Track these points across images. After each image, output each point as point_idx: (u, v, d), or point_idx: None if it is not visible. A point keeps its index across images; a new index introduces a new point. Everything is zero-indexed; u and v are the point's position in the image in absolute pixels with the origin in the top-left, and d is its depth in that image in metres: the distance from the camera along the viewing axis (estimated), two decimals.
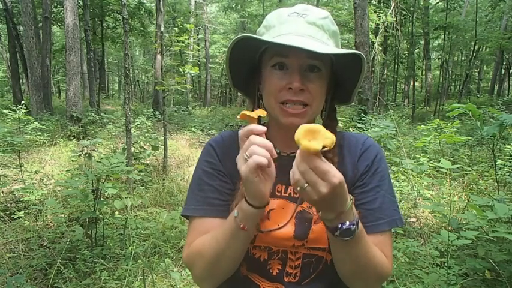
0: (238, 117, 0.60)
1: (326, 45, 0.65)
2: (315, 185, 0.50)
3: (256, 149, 0.55)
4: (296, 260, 0.70)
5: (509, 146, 4.14)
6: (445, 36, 15.30)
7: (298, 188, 0.52)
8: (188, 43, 5.27)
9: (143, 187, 3.97)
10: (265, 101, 0.71)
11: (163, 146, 4.89)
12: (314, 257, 0.70)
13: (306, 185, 0.51)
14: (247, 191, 0.59)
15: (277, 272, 0.70)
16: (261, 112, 0.60)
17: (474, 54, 15.74)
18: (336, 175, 0.51)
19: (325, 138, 0.51)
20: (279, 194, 0.71)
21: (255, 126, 0.57)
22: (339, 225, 0.56)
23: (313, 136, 0.51)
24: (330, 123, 0.74)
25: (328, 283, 0.71)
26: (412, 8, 13.45)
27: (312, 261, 0.70)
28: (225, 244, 0.63)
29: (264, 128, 0.57)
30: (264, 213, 0.64)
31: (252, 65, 0.73)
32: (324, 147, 0.50)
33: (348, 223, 0.56)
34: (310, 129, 0.52)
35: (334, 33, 0.69)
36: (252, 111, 0.71)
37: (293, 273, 0.70)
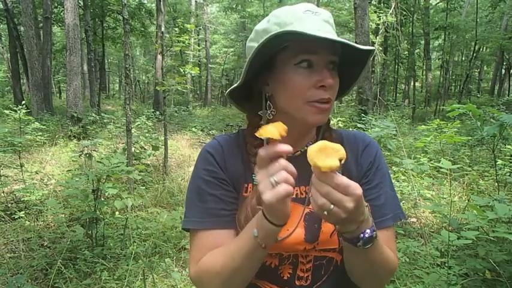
0: (257, 134, 0.53)
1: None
2: (341, 202, 0.49)
3: (288, 177, 0.51)
4: (307, 263, 0.69)
5: (509, 146, 4.13)
6: (445, 37, 15.30)
7: (325, 212, 0.50)
8: (188, 43, 5.28)
9: (144, 187, 3.97)
10: (286, 102, 0.66)
11: (163, 146, 4.89)
12: (325, 259, 0.69)
13: (332, 206, 0.49)
14: (269, 213, 0.55)
15: (289, 276, 0.69)
16: (282, 129, 0.53)
17: (474, 55, 15.72)
18: (357, 186, 0.49)
19: (336, 151, 0.50)
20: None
21: (283, 148, 0.52)
22: (361, 235, 0.54)
23: (325, 153, 0.50)
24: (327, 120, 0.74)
25: (339, 284, 0.70)
26: (412, 8, 13.45)
27: (323, 263, 0.69)
28: (242, 262, 0.60)
29: (290, 149, 0.52)
30: (280, 231, 0.60)
31: (262, 65, 0.68)
32: (340, 160, 0.49)
33: (369, 231, 0.55)
34: (320, 147, 0.50)
35: (336, 32, 0.70)
36: (267, 121, 0.67)
37: (304, 276, 0.69)
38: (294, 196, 0.68)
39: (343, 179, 0.49)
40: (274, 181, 0.51)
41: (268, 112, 0.70)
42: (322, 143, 0.51)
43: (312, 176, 0.50)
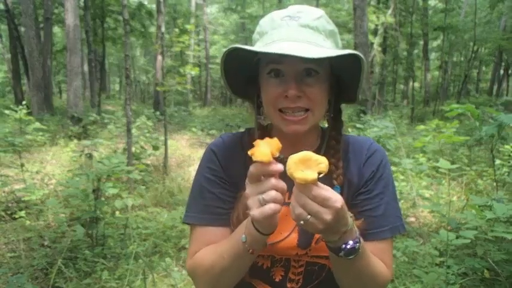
0: (249, 153, 0.53)
1: (321, 47, 0.62)
2: (318, 214, 0.49)
3: (276, 196, 0.51)
4: (299, 268, 0.70)
5: (507, 146, 4.14)
6: (444, 37, 15.31)
7: (302, 222, 0.50)
8: (188, 44, 5.29)
9: (144, 187, 3.98)
10: (265, 108, 0.69)
11: (163, 146, 4.90)
12: (317, 265, 0.70)
13: (309, 216, 0.49)
14: (257, 225, 0.56)
15: (280, 278, 0.70)
16: (276, 148, 0.53)
17: (473, 55, 15.74)
18: (337, 199, 0.50)
19: (318, 164, 0.49)
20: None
21: (274, 168, 0.52)
22: (343, 246, 0.55)
23: (306, 165, 0.49)
24: (335, 125, 0.72)
25: None
26: (411, 9, 13.46)
27: (314, 269, 0.70)
28: (231, 263, 0.62)
29: (281, 169, 0.52)
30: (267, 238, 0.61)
31: (250, 72, 0.71)
32: (319, 173, 0.49)
33: (351, 242, 0.55)
34: (300, 158, 0.50)
35: (331, 32, 0.66)
36: (261, 125, 0.68)
37: (296, 279, 0.70)
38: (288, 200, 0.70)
39: (322, 192, 0.49)
40: (262, 199, 0.52)
41: (262, 118, 0.72)
42: (305, 153, 0.51)
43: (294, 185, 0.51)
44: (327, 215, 0.49)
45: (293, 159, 0.50)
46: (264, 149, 0.52)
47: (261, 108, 0.71)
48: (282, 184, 0.53)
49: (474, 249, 2.18)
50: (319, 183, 0.50)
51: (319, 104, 0.66)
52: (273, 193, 0.52)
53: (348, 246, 0.55)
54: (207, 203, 0.70)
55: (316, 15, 0.65)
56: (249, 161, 0.70)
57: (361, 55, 0.62)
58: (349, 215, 0.54)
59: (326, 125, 0.76)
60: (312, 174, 0.48)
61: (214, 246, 0.66)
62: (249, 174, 0.54)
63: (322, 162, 0.50)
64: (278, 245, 0.67)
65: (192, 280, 0.70)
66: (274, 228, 0.57)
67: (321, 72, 0.65)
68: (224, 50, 0.62)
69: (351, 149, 0.73)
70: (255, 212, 0.52)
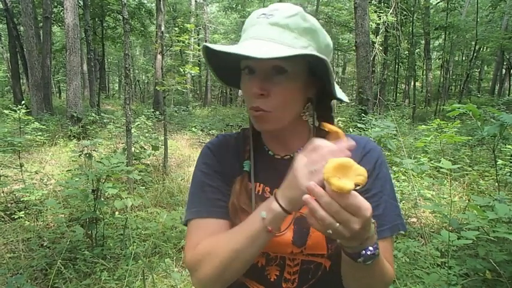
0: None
1: (287, 46, 0.61)
2: (348, 223, 0.48)
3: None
4: (294, 266, 0.69)
5: (509, 146, 4.13)
6: (445, 36, 15.29)
7: (330, 231, 0.49)
8: (188, 43, 5.28)
9: (143, 187, 3.97)
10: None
11: (163, 146, 4.89)
12: (313, 264, 0.69)
13: (338, 224, 0.48)
14: (287, 196, 0.56)
15: (275, 278, 0.69)
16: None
17: (475, 54, 15.72)
18: (367, 207, 0.48)
19: (357, 174, 0.47)
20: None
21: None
22: (363, 252, 0.54)
23: (344, 172, 0.47)
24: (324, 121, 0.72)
25: None
26: (412, 8, 13.44)
27: (310, 268, 0.69)
28: (245, 245, 0.60)
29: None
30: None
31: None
32: (356, 185, 0.47)
33: (371, 248, 0.54)
34: (340, 164, 0.47)
35: (306, 29, 0.64)
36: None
37: (291, 279, 0.69)
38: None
39: (356, 200, 0.48)
40: (314, 170, 0.53)
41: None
42: (346, 160, 0.48)
43: (326, 190, 0.48)
44: (356, 224, 0.48)
45: (332, 163, 0.47)
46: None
47: None
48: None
49: (476, 249, 2.17)
50: (352, 192, 0.48)
51: (285, 103, 0.65)
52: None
53: (368, 253, 0.54)
54: (208, 196, 0.70)
55: (290, 12, 0.64)
56: (243, 156, 0.73)
57: (316, 55, 0.59)
58: (371, 222, 0.53)
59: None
60: (349, 185, 0.46)
61: (224, 233, 0.65)
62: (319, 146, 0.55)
63: (361, 174, 0.48)
64: (272, 240, 0.65)
65: (193, 274, 0.66)
66: (298, 205, 0.56)
67: (289, 71, 0.63)
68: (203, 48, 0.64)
69: None
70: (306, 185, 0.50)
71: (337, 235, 0.50)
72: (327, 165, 0.47)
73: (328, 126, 0.56)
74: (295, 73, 0.64)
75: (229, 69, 0.72)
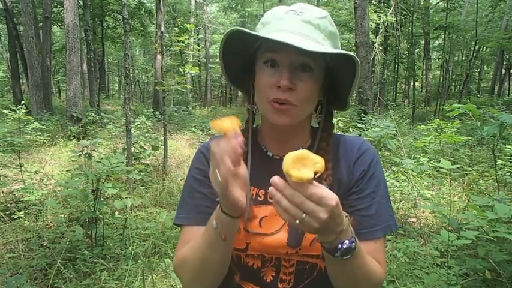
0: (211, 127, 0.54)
1: (320, 44, 0.63)
2: (314, 213, 0.48)
3: (227, 163, 0.52)
4: (290, 267, 0.69)
5: (509, 146, 4.13)
6: (445, 36, 15.28)
7: (297, 221, 0.49)
8: (188, 43, 5.28)
9: (143, 187, 3.97)
10: (257, 98, 0.69)
11: (163, 146, 4.89)
12: (308, 264, 0.69)
13: (304, 215, 0.49)
14: (222, 201, 0.56)
15: (271, 279, 0.70)
16: (232, 122, 0.54)
17: (474, 54, 15.73)
18: (332, 197, 0.49)
19: (314, 163, 0.49)
20: (271, 201, 0.70)
21: (235, 141, 0.52)
22: (339, 246, 0.54)
23: (302, 163, 0.49)
24: (326, 127, 0.72)
25: None
26: (412, 8, 13.45)
27: (305, 268, 0.69)
28: (208, 253, 0.62)
29: (241, 139, 0.53)
30: (239, 223, 0.61)
31: (246, 60, 0.71)
32: (315, 173, 0.49)
33: (347, 242, 0.54)
34: (297, 156, 0.49)
35: (332, 34, 0.67)
36: (253, 114, 0.68)
37: (287, 279, 0.70)
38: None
39: (318, 190, 0.49)
40: (217, 172, 0.53)
41: (255, 107, 0.72)
42: (302, 152, 0.50)
43: (279, 182, 0.49)
44: (323, 214, 0.49)
45: (290, 156, 0.50)
46: (226, 122, 0.53)
47: (255, 98, 0.72)
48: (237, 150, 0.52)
49: (475, 249, 2.17)
50: (314, 182, 0.49)
51: (307, 101, 0.66)
52: (226, 160, 0.51)
53: (344, 246, 0.54)
54: (196, 202, 0.71)
55: (320, 14, 0.66)
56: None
57: (357, 58, 0.61)
58: (344, 214, 0.53)
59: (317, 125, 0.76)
60: (308, 173, 0.48)
61: (193, 241, 0.67)
62: (212, 151, 0.54)
63: (318, 162, 0.50)
64: (267, 241, 0.67)
65: (179, 279, 0.70)
66: (240, 209, 0.56)
67: (315, 70, 0.65)
68: (225, 32, 0.62)
69: (341, 148, 0.73)
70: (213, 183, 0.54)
71: (306, 226, 0.50)
72: (285, 158, 0.50)
73: (217, 127, 0.55)
74: (318, 73, 0.66)
75: (233, 68, 0.72)
